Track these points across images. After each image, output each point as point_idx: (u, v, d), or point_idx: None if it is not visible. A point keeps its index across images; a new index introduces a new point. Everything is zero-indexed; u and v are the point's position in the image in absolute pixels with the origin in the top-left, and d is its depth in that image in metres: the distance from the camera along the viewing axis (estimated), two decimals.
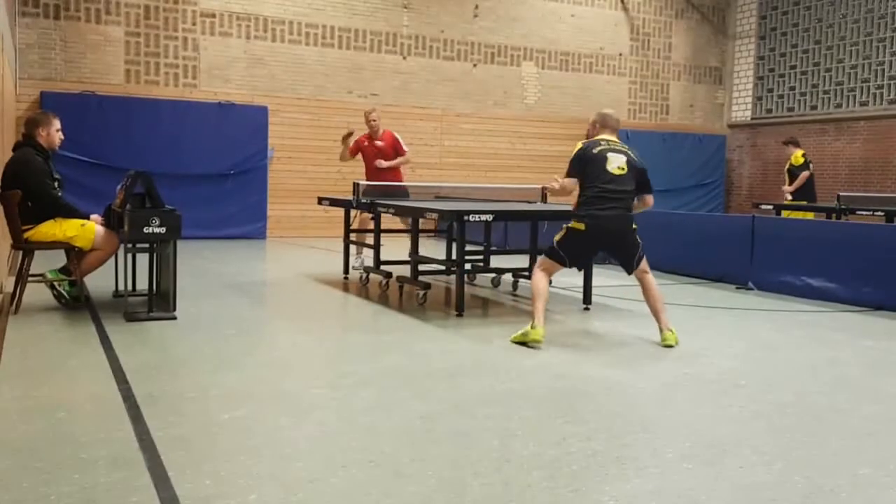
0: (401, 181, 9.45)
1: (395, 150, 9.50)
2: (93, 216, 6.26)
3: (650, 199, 5.60)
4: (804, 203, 11.02)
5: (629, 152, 5.49)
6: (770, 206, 12.59)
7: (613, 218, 5.36)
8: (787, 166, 11.77)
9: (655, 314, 5.48)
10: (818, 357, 5.26)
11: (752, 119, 17.35)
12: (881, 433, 3.65)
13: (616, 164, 5.38)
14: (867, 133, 15.16)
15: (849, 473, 3.12)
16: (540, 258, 5.67)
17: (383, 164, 9.29)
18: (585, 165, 5.39)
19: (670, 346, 5.31)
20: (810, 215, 10.80)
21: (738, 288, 8.30)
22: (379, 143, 9.52)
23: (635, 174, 5.44)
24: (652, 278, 5.57)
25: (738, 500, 2.83)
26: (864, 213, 10.91)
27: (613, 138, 5.56)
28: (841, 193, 11.73)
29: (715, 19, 17.66)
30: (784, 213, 11.10)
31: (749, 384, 4.46)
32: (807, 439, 3.53)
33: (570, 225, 5.43)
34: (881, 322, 6.62)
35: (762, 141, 17.19)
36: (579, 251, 5.55)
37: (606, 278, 8.11)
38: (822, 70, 15.95)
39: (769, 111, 17.02)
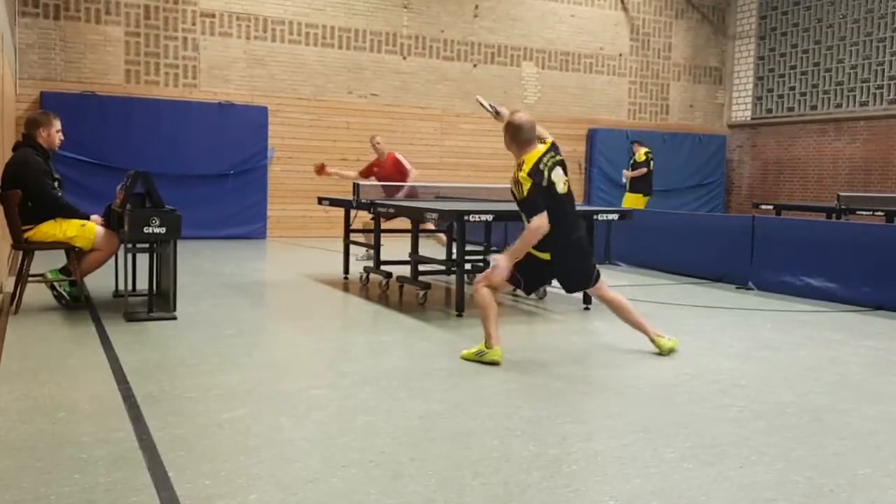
0: (415, 195, 9.63)
1: (399, 171, 9.71)
2: (93, 216, 6.27)
3: None
4: (640, 194, 12.59)
5: (557, 157, 4.94)
6: (770, 206, 12.62)
7: (579, 245, 4.98)
8: (631, 161, 13.34)
9: (639, 326, 5.12)
10: (818, 357, 5.26)
11: (752, 119, 17.35)
12: (881, 433, 3.65)
13: (561, 181, 4.90)
14: (867, 133, 15.17)
15: (849, 473, 3.12)
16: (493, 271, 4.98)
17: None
18: (546, 196, 4.81)
19: (673, 351, 5.08)
20: (642, 204, 12.25)
21: (738, 288, 8.30)
22: (384, 166, 9.91)
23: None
24: (615, 294, 5.15)
25: (738, 500, 2.83)
26: (864, 213, 10.92)
27: (540, 148, 4.91)
28: (841, 193, 11.75)
29: (715, 19, 17.66)
30: (624, 201, 12.88)
31: (749, 384, 4.46)
32: (807, 439, 3.52)
33: (531, 252, 4.88)
34: (881, 322, 6.62)
35: (762, 141, 17.19)
36: (534, 277, 5.06)
37: (606, 278, 8.08)
38: (822, 70, 15.95)
39: (769, 111, 17.02)
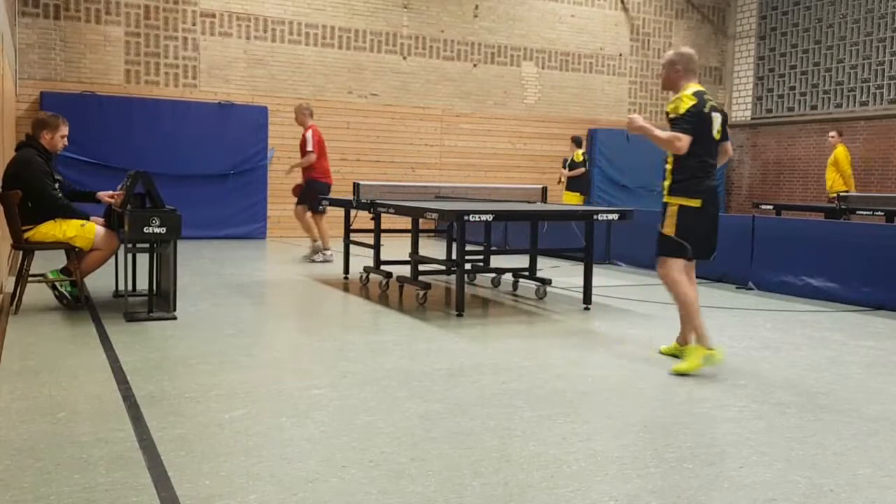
0: (312, 178, 10.05)
1: (303, 145, 10.14)
2: (93, 217, 6.27)
3: (730, 146, 4.95)
4: (578, 193, 13.00)
5: (719, 107, 4.81)
6: (770, 206, 12.61)
7: (717, 192, 4.78)
8: (568, 160, 13.45)
9: (698, 328, 4.79)
10: (818, 357, 5.26)
11: (752, 119, 17.35)
12: (881, 433, 3.65)
13: (716, 127, 4.72)
14: (867, 133, 15.16)
15: (849, 473, 3.12)
16: (662, 266, 4.84)
17: (292, 166, 10.42)
18: (700, 126, 4.61)
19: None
20: (580, 200, 12.78)
21: (738, 288, 8.30)
22: (302, 136, 10.28)
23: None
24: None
25: (738, 500, 2.83)
26: (864, 213, 10.92)
27: (703, 88, 4.79)
28: (841, 193, 11.74)
29: (715, 19, 17.66)
30: (564, 198, 13.25)
31: (749, 384, 4.46)
32: (807, 439, 3.52)
33: (680, 205, 4.69)
34: (881, 322, 6.62)
35: (762, 141, 17.18)
36: (699, 233, 4.75)
37: (606, 278, 8.11)
38: (822, 70, 15.95)
39: (769, 111, 17.02)
